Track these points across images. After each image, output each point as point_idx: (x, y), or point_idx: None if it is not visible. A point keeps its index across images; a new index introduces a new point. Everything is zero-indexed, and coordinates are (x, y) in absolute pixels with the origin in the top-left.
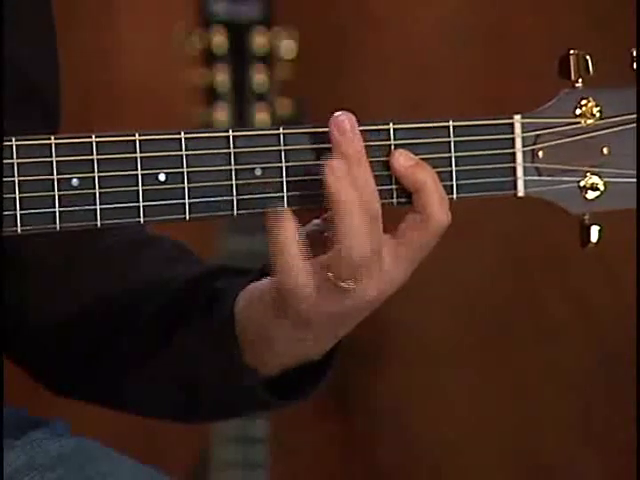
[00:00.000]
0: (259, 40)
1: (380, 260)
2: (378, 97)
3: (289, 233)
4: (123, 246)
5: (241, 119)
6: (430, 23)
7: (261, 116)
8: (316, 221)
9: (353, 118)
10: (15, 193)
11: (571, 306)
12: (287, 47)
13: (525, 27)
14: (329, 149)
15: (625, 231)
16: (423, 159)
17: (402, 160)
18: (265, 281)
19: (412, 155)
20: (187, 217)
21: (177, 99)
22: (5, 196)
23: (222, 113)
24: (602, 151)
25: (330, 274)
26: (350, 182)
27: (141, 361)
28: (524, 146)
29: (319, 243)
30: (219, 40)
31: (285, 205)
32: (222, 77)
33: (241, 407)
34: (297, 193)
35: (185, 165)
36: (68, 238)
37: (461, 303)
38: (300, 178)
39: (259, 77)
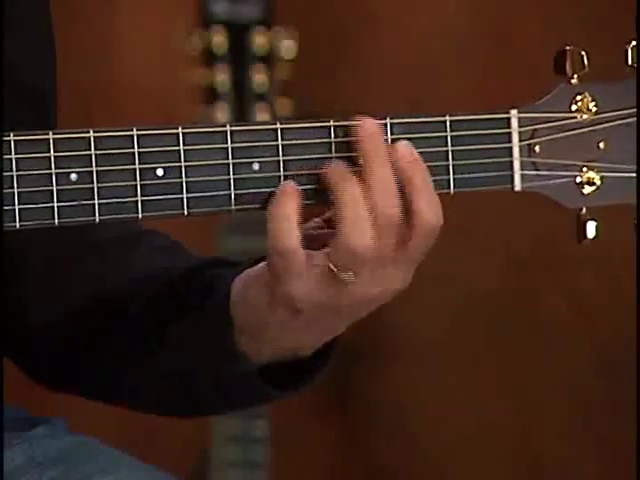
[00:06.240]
0: (259, 40)
1: (385, 261)
2: (378, 97)
3: (290, 200)
4: (118, 239)
5: (241, 119)
6: (430, 22)
7: (261, 116)
8: (317, 219)
9: (378, 125)
10: (14, 188)
11: (571, 306)
12: (287, 47)
13: (524, 25)
14: (326, 144)
15: (624, 231)
16: (420, 153)
17: (402, 151)
18: (263, 263)
19: (414, 151)
20: (185, 212)
21: (177, 99)
22: (4, 191)
23: (222, 113)
24: (598, 146)
25: (331, 264)
26: (354, 180)
27: (138, 352)
28: (521, 140)
29: (319, 241)
30: (219, 40)
31: None
32: (222, 77)
33: (237, 397)
34: None
35: (183, 160)
36: (62, 233)
37: (461, 303)
38: (298, 173)
39: (259, 77)
